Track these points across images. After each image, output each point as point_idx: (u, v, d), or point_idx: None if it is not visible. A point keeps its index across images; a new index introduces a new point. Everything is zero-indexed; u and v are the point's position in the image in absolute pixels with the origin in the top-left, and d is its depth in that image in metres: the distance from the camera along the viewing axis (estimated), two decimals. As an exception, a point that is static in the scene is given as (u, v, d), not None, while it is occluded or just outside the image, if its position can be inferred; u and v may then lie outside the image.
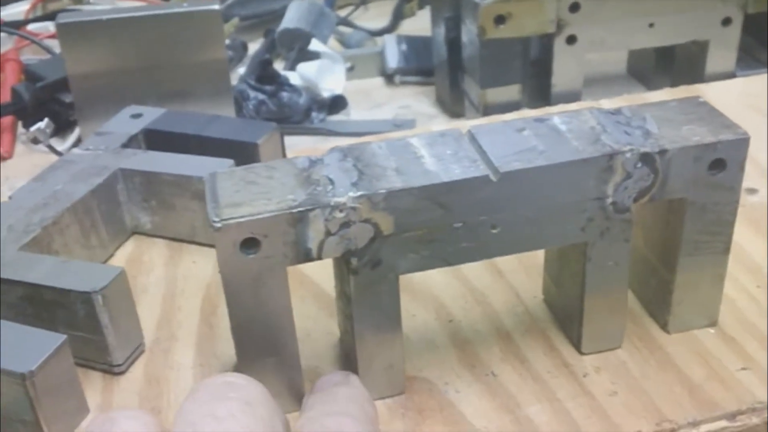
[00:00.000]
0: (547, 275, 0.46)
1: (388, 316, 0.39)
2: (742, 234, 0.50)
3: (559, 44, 0.67)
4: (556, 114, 0.40)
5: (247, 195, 0.36)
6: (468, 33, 0.67)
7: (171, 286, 0.49)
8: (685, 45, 0.71)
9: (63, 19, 0.65)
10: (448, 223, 0.37)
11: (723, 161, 0.39)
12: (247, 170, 0.38)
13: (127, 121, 0.56)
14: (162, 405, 0.41)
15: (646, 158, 0.38)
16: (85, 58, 0.66)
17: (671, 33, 0.70)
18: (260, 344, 0.38)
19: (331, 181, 0.36)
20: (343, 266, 0.37)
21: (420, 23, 0.92)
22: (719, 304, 0.44)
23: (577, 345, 0.43)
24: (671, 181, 0.39)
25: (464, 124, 0.67)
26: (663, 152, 0.38)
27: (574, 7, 0.65)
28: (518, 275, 0.48)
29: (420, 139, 0.39)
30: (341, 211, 0.35)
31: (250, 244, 0.35)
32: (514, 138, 0.39)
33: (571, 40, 0.66)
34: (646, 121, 0.40)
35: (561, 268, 0.43)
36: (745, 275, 0.48)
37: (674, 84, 0.71)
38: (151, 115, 0.57)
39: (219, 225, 0.34)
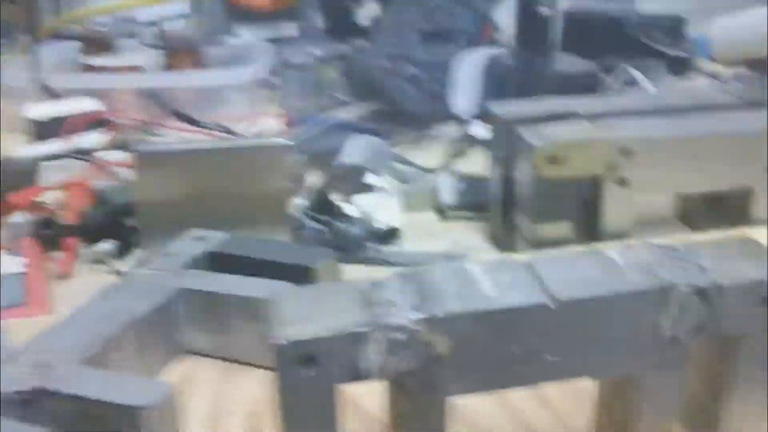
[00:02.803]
0: (599, 406, 0.45)
1: (439, 438, 0.39)
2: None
3: (609, 186, 0.68)
4: (611, 248, 0.41)
5: (310, 314, 0.37)
6: (522, 172, 0.70)
7: (218, 406, 0.50)
8: (731, 191, 0.72)
9: (140, 147, 0.69)
10: (504, 348, 0.38)
11: (778, 298, 0.39)
12: (310, 290, 0.39)
13: (191, 244, 0.59)
14: None
15: (701, 293, 0.38)
16: (155, 184, 0.69)
17: (719, 178, 0.71)
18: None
19: (392, 303, 0.37)
20: (396, 387, 0.38)
21: (472, 163, 0.95)
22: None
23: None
24: (726, 316, 0.39)
25: (517, 258, 0.68)
26: (718, 288, 0.38)
27: (626, 152, 0.67)
28: (567, 405, 0.48)
29: (479, 267, 0.40)
30: (401, 332, 0.36)
31: (309, 361, 0.36)
32: (570, 268, 0.40)
33: (622, 182, 0.68)
34: (701, 258, 0.40)
35: (613, 399, 0.43)
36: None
37: (719, 227, 0.72)
38: (213, 238, 0.59)
39: (281, 342, 0.35)
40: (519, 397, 0.48)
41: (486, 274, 0.39)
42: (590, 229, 0.72)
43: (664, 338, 0.39)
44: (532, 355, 0.38)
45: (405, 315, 0.36)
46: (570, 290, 0.38)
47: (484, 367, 0.38)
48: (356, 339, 0.36)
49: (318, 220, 0.78)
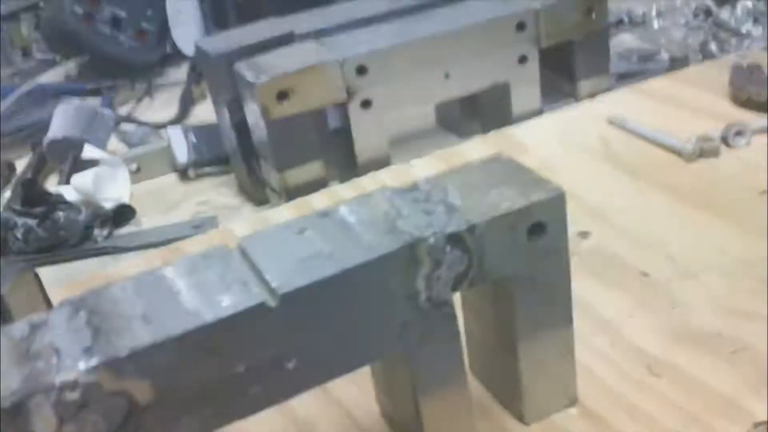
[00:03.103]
0: (377, 387, 0.38)
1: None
2: (584, 287, 0.45)
3: (354, 111, 0.60)
4: (342, 204, 0.33)
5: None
6: (252, 114, 0.60)
7: None
8: (486, 90, 0.67)
9: None
10: (225, 370, 0.29)
11: (542, 224, 0.33)
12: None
13: None
14: None
15: (453, 239, 0.31)
16: None
17: (469, 80, 0.66)
18: None
19: (57, 351, 0.27)
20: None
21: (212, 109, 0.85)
22: (574, 379, 0.38)
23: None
24: (488, 259, 0.32)
25: (270, 215, 0.59)
26: (472, 228, 0.31)
27: (361, 71, 0.59)
28: (347, 389, 0.40)
29: (176, 269, 0.31)
30: (73, 389, 0.26)
31: (-52, 465, 0.25)
32: (293, 245, 0.31)
33: (366, 104, 0.60)
34: (448, 193, 0.33)
35: (389, 379, 0.36)
36: (595, 333, 0.42)
37: (485, 129, 0.67)
38: None
39: None
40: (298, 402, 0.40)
41: (185, 277, 0.30)
42: (346, 163, 0.64)
43: (422, 302, 0.31)
44: (266, 370, 0.29)
45: (73, 365, 0.26)
46: (293, 277, 0.29)
47: (208, 403, 0.29)
48: (13, 414, 0.26)
49: (28, 215, 0.65)
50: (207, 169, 0.75)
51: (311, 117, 0.59)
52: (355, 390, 0.40)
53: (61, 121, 0.76)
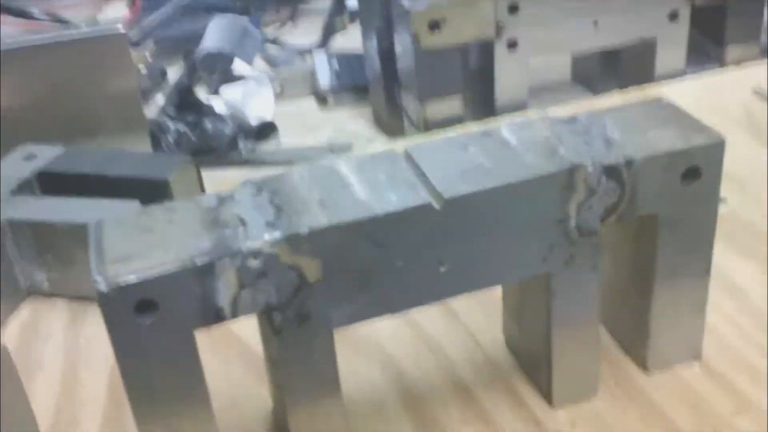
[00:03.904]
0: (507, 314, 0.40)
1: (324, 380, 0.32)
2: (716, 251, 0.45)
3: (499, 50, 0.61)
4: (504, 125, 0.35)
5: (140, 246, 0.29)
6: (402, 43, 0.62)
7: (72, 357, 0.42)
8: (631, 45, 0.67)
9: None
10: (387, 263, 0.31)
11: (697, 169, 0.34)
12: (141, 215, 0.31)
13: (19, 164, 0.49)
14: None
15: (610, 171, 0.32)
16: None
17: (617, 32, 0.65)
18: (169, 425, 0.31)
19: (243, 222, 0.30)
20: (265, 323, 0.31)
21: (353, 38, 0.87)
22: (702, 334, 0.39)
23: (547, 396, 0.37)
24: (640, 195, 0.33)
25: (404, 144, 0.61)
26: (629, 163, 0.33)
27: (513, 9, 0.60)
28: (475, 315, 0.42)
29: (349, 164, 0.33)
30: (256, 257, 0.29)
31: (145, 307, 0.28)
32: (458, 156, 0.33)
33: (512, 44, 0.61)
34: (607, 128, 0.34)
35: (522, 305, 0.37)
36: (725, 299, 0.43)
37: (622, 86, 0.67)
38: (46, 155, 0.50)
39: (103, 287, 0.28)
40: (424, 316, 0.42)
41: (357, 174, 0.32)
42: (483, 102, 0.66)
43: (571, 228, 0.33)
44: (421, 269, 0.31)
45: (259, 235, 0.29)
46: (457, 185, 0.31)
47: (367, 290, 0.31)
48: (200, 272, 0.29)
49: (181, 121, 0.69)
50: (345, 98, 0.77)
51: (458, 51, 0.61)
52: (483, 318, 0.42)
53: (215, 34, 0.80)
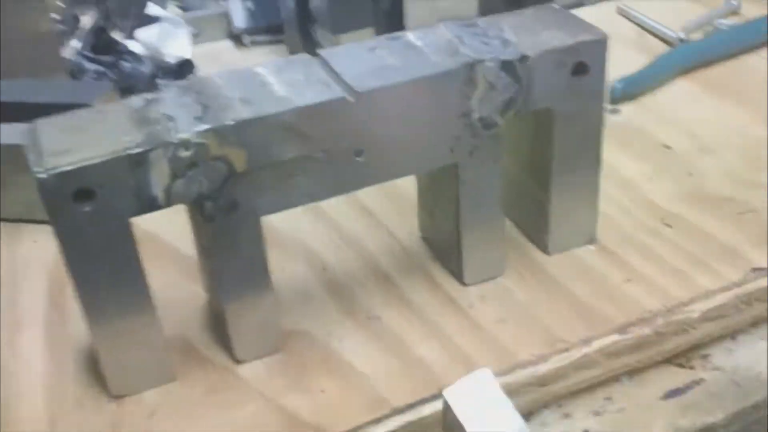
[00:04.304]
0: (421, 209, 0.43)
1: (254, 267, 0.35)
2: (610, 151, 0.49)
3: (409, -16, 0.64)
4: (409, 31, 0.38)
5: (76, 141, 0.31)
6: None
7: (10, 270, 0.44)
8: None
9: None
10: (307, 153, 0.34)
11: (584, 64, 0.37)
12: (72, 116, 0.33)
13: (-59, 95, 0.50)
14: (9, 396, 0.36)
15: (507, 66, 0.36)
16: None
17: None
18: (112, 311, 0.33)
19: (171, 118, 0.32)
20: (197, 213, 0.34)
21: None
22: (596, 221, 0.43)
23: (459, 277, 0.41)
24: (535, 89, 0.37)
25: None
26: (524, 59, 0.36)
27: (420, -57, 0.63)
28: (390, 214, 0.46)
29: (266, 68, 0.35)
30: (187, 148, 0.31)
31: (83, 195, 0.31)
32: (367, 58, 0.36)
33: (421, -22, 0.64)
34: (504, 31, 0.38)
35: (435, 198, 0.41)
36: (617, 190, 0.47)
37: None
38: (-31, 86, 0.51)
39: (44, 176, 0.30)
40: (343, 215, 0.46)
41: (275, 75, 0.35)
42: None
43: (474, 121, 0.36)
44: (339, 159, 0.34)
45: (188, 128, 0.32)
46: (369, 80, 0.34)
47: (290, 179, 0.34)
48: (134, 161, 0.31)
49: (99, 62, 0.70)
50: (261, 38, 0.79)
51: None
52: (397, 216, 0.45)
53: (127, -21, 0.80)
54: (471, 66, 0.35)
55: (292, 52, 0.74)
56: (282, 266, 0.42)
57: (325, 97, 0.33)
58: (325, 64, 0.35)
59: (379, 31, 0.67)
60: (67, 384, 0.36)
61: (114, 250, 0.32)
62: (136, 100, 0.34)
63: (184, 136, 0.31)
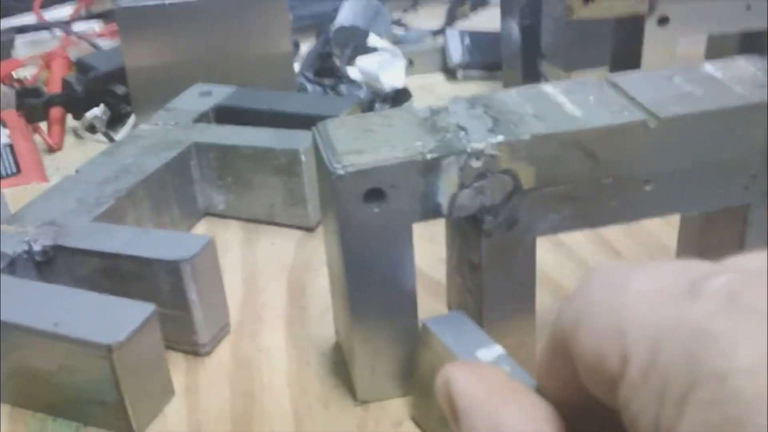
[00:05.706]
0: (683, 253, 0.40)
1: (524, 288, 0.33)
2: None
3: (650, 26, 0.62)
4: (705, 63, 0.36)
5: (367, 142, 0.31)
6: (551, 15, 0.63)
7: (250, 268, 0.44)
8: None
9: (123, 3, 0.61)
10: (595, 177, 0.32)
11: None
12: (359, 119, 0.33)
13: (197, 99, 0.52)
14: (254, 389, 0.36)
15: (817, 106, 0.33)
16: (143, 45, 0.62)
17: (763, 14, 0.65)
18: (377, 313, 0.33)
19: (463, 128, 0.31)
20: (472, 228, 0.32)
21: (477, 23, 0.88)
22: None
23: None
24: None
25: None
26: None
27: (668, -16, 0.61)
28: (639, 256, 0.43)
29: (556, 87, 0.34)
30: (478, 158, 0.30)
31: (374, 195, 0.30)
32: (663, 85, 0.34)
33: (663, 21, 0.62)
34: (809, 69, 0.35)
35: (707, 241, 0.38)
36: None
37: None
38: (220, 92, 0.52)
39: (341, 172, 0.29)
40: (578, 242, 0.44)
41: (565, 95, 0.33)
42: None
43: (773, 161, 0.33)
44: (626, 186, 0.32)
45: (482, 139, 0.30)
46: (669, 107, 0.32)
47: (573, 202, 0.32)
48: (427, 166, 0.30)
49: (319, 84, 0.71)
50: (474, 73, 0.79)
51: (607, 25, 0.62)
52: (647, 259, 0.43)
53: (349, 12, 0.82)
54: (780, 101, 0.32)
55: (508, 86, 0.73)
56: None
57: (624, 120, 0.31)
58: (618, 89, 0.34)
59: (613, 70, 0.64)
60: (312, 383, 0.36)
61: (393, 254, 0.31)
62: (422, 110, 0.33)
63: (477, 146, 0.30)
